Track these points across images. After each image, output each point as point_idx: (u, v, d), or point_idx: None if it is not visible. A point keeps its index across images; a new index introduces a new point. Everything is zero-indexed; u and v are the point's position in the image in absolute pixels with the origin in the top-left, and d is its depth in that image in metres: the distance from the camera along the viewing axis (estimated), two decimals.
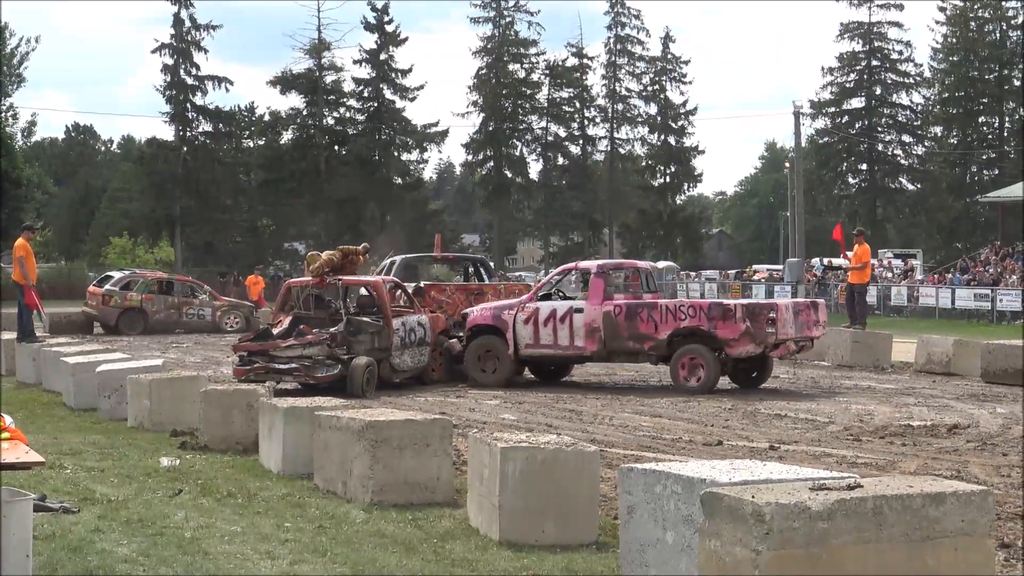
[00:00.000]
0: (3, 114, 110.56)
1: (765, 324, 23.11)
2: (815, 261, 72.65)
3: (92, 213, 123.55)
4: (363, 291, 26.32)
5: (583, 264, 28.08)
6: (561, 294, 26.77)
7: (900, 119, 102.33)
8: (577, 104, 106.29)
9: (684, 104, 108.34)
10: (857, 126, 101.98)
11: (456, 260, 41.27)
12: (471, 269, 35.41)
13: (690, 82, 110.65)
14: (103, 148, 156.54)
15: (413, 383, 25.03)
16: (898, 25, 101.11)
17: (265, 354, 23.24)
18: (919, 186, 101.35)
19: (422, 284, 30.45)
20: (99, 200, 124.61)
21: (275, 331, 24.36)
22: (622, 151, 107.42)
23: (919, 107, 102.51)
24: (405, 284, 27.50)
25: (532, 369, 26.52)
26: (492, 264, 40.72)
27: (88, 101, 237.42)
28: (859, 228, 38.71)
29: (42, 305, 29.52)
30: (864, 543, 6.87)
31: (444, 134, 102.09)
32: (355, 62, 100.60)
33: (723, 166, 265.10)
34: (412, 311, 25.57)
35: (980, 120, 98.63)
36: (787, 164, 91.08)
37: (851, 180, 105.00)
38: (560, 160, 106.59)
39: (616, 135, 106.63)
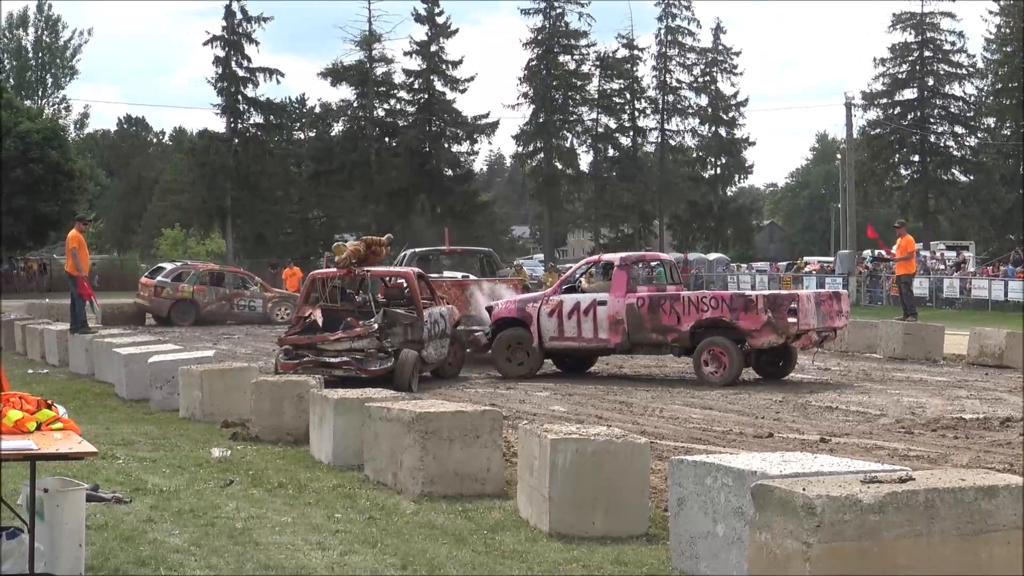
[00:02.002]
0: (56, 106, 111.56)
1: (786, 315, 23.05)
2: (866, 253, 72.25)
3: (144, 204, 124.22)
4: (384, 282, 26.05)
5: (606, 256, 28.06)
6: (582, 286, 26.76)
7: (953, 110, 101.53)
8: (627, 95, 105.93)
9: (735, 95, 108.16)
10: (909, 117, 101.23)
11: (465, 253, 41.71)
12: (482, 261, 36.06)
13: (741, 73, 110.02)
14: (155, 140, 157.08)
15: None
16: (951, 15, 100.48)
17: (313, 347, 22.95)
18: (972, 177, 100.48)
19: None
20: (151, 192, 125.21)
21: (319, 323, 24.05)
22: (672, 142, 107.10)
23: (972, 98, 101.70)
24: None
25: (555, 361, 26.57)
26: (498, 256, 41.05)
27: (140, 93, 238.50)
28: (900, 220, 38.53)
29: (95, 296, 29.63)
30: (916, 536, 6.85)
31: (494, 125, 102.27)
32: (406, 54, 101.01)
33: (774, 157, 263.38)
34: (434, 302, 25.27)
35: None
36: (839, 155, 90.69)
37: (903, 172, 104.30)
38: (610, 151, 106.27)
39: (667, 126, 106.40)
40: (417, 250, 34.55)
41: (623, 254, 27.29)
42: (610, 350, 25.31)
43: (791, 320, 23.03)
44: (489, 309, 26.36)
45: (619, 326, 24.44)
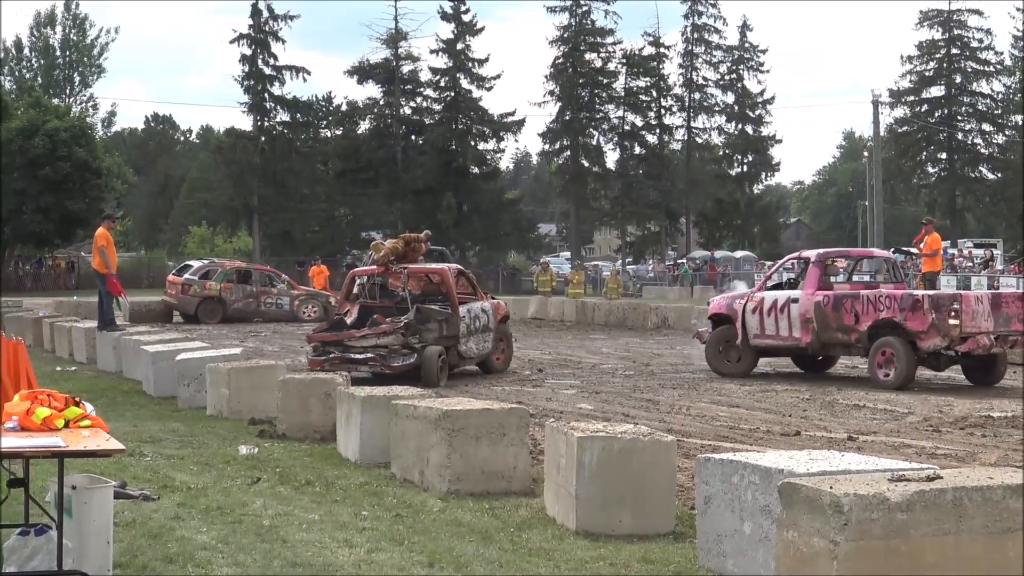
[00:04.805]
0: (83, 104, 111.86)
1: (948, 316, 21.95)
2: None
3: (171, 202, 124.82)
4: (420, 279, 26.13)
5: (806, 252, 27.06)
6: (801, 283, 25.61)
7: (980, 107, 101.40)
8: (654, 93, 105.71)
9: (761, 93, 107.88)
10: (937, 115, 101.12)
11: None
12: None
13: (767, 71, 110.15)
14: (182, 138, 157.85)
15: (475, 372, 25.02)
16: (978, 13, 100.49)
17: (340, 344, 23.24)
18: (999, 175, 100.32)
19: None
20: (178, 189, 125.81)
21: (346, 321, 24.45)
22: (699, 140, 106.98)
23: (1000, 95, 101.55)
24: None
25: (795, 360, 26.14)
26: (450, 255, 42.86)
27: (167, 91, 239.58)
28: (928, 217, 38.28)
29: (125, 293, 29.70)
30: (943, 535, 6.83)
31: (521, 123, 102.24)
32: (432, 52, 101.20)
33: (801, 155, 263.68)
34: (476, 297, 25.60)
35: None
36: (866, 153, 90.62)
37: (930, 169, 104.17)
38: (637, 149, 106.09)
39: (693, 124, 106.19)
40: None
41: (821, 250, 26.58)
42: (802, 349, 24.71)
43: (952, 322, 21.93)
44: (708, 304, 26.19)
45: (808, 324, 23.89)
